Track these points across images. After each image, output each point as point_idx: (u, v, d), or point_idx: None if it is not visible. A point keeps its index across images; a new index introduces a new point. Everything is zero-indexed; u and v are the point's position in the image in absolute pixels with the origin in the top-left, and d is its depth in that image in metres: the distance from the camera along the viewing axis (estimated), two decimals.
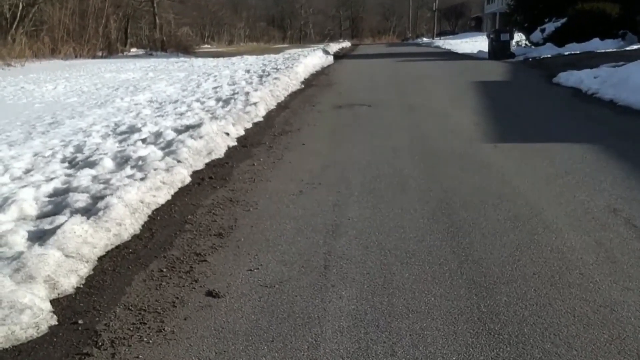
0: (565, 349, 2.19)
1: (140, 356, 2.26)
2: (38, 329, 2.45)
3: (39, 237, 3.23)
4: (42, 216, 3.69)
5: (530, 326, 2.36)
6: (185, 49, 37.75)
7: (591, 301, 2.54)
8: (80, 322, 2.53)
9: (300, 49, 30.35)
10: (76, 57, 27.63)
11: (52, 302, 2.68)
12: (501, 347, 2.23)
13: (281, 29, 76.99)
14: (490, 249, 3.14)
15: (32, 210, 3.78)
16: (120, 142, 6.04)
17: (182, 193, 4.40)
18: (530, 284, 2.72)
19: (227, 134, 6.37)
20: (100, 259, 3.18)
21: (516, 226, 3.47)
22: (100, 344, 2.35)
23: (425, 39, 54.83)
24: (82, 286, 2.88)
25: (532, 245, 3.18)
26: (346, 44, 44.75)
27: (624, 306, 2.49)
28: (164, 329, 2.45)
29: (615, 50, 16.76)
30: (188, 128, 6.28)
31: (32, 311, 2.49)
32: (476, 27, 65.57)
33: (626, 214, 3.58)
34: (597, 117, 7.11)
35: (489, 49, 20.04)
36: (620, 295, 2.58)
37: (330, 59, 21.30)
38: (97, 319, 2.56)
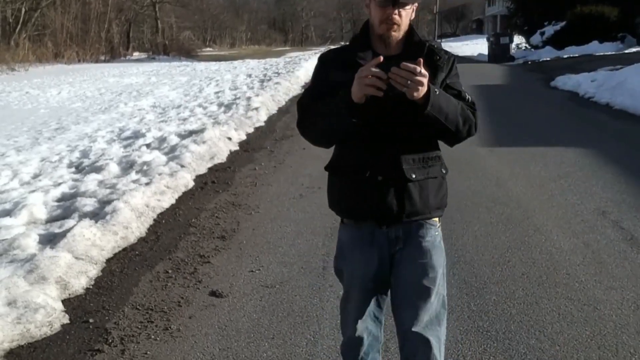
0: (549, 345, 2.33)
1: (148, 352, 2.40)
2: (51, 327, 2.58)
3: (50, 240, 3.37)
4: (51, 220, 3.84)
5: (517, 323, 2.49)
6: (187, 53, 37.95)
7: (576, 300, 2.68)
8: (90, 320, 2.67)
9: (301, 52, 30.50)
10: (79, 61, 27.83)
11: (64, 302, 2.81)
12: (488, 343, 2.37)
13: (282, 31, 77.20)
14: (482, 251, 3.27)
15: (41, 214, 3.92)
16: (125, 147, 6.19)
17: (186, 197, 4.54)
18: (519, 284, 2.85)
19: (229, 138, 6.52)
20: (108, 260, 3.32)
21: (508, 228, 3.60)
22: (110, 341, 2.49)
23: None
24: (91, 287, 3.02)
25: (522, 247, 3.31)
26: None
27: (607, 304, 2.62)
28: (170, 327, 2.59)
29: (614, 53, 16.89)
30: (191, 133, 6.43)
31: (45, 310, 2.63)
32: (477, 29, 65.59)
33: (614, 217, 3.72)
34: (592, 121, 7.25)
35: (488, 52, 20.20)
36: (604, 294, 2.71)
37: None
38: (106, 317, 2.70)
